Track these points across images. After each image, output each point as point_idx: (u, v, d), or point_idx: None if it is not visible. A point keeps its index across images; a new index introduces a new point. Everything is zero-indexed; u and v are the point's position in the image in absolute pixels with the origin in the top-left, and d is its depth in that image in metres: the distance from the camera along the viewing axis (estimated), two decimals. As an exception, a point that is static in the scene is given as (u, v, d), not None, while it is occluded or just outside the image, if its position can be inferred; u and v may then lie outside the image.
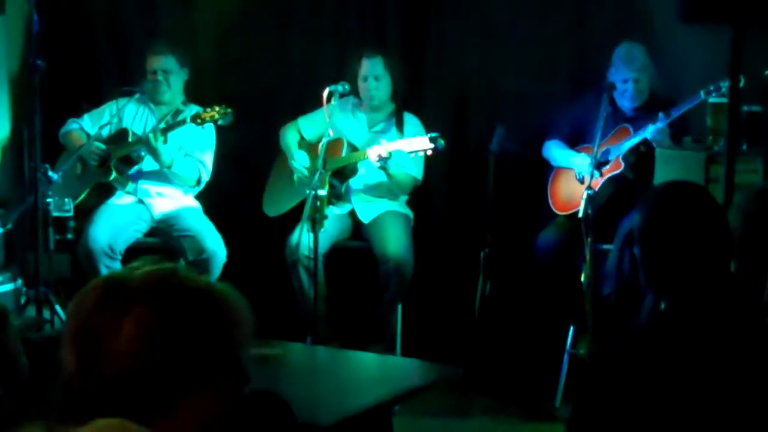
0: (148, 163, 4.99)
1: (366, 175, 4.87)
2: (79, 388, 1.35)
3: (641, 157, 4.43)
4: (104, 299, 1.39)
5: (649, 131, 4.33)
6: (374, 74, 4.84)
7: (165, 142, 4.83)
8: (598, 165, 4.38)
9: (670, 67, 4.65)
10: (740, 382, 1.99)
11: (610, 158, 4.46)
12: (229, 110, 4.74)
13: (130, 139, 4.97)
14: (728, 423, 1.97)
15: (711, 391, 1.98)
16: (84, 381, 1.35)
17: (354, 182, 4.89)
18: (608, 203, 4.41)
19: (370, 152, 4.58)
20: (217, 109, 4.75)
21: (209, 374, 1.40)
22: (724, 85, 4.07)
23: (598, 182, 4.42)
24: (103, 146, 4.98)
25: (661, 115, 4.31)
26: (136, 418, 1.20)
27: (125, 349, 1.35)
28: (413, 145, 4.49)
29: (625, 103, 4.57)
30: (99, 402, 1.33)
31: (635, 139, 4.41)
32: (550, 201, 4.70)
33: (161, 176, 4.98)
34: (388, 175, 4.68)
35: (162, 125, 4.92)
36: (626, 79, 4.53)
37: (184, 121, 4.82)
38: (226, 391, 1.43)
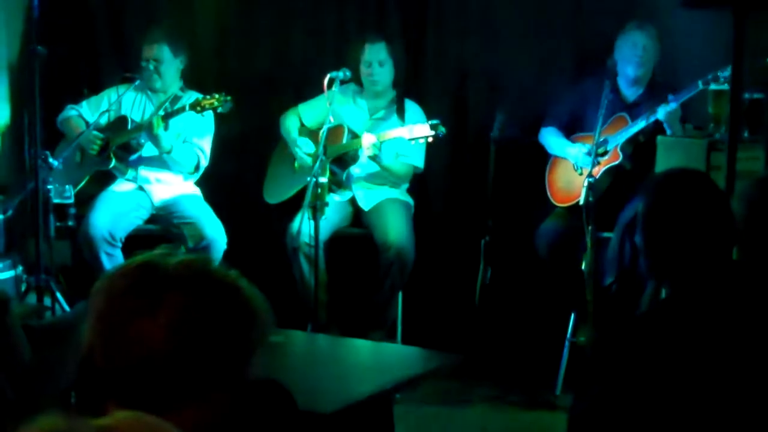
0: (147, 150, 4.98)
1: (367, 162, 4.87)
2: (100, 368, 1.35)
3: (639, 148, 4.42)
4: (140, 282, 1.40)
5: (660, 112, 4.31)
6: (378, 59, 4.83)
7: (166, 128, 4.82)
8: (597, 157, 4.37)
9: (671, 54, 4.64)
10: (742, 369, 1.99)
11: (608, 149, 4.45)
12: (228, 98, 4.72)
13: (129, 127, 4.96)
14: (730, 409, 1.97)
15: (714, 378, 1.98)
16: (107, 361, 1.36)
17: (354, 169, 4.88)
18: (606, 194, 4.39)
19: (363, 141, 4.57)
20: (216, 96, 4.73)
21: (225, 372, 1.41)
22: (722, 74, 4.07)
23: (597, 172, 4.41)
24: (101, 135, 4.97)
25: (670, 96, 4.30)
26: (149, 407, 1.20)
27: (156, 334, 1.36)
28: (414, 132, 4.48)
29: (629, 70, 4.53)
30: (117, 384, 1.34)
31: (638, 126, 4.40)
32: (548, 192, 4.68)
33: (161, 162, 4.98)
34: (382, 166, 4.68)
35: (161, 112, 4.91)
36: (636, 43, 4.51)
37: (183, 109, 4.81)
38: (233, 391, 1.43)
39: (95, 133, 4.94)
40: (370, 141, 4.53)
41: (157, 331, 1.36)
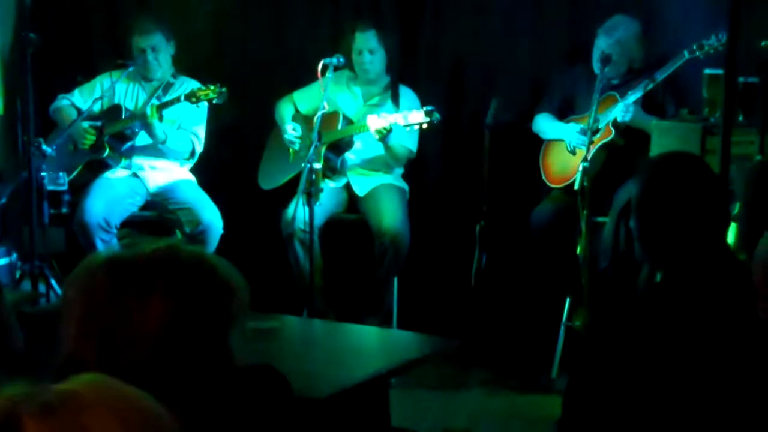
0: (141, 139, 4.96)
1: (362, 148, 4.86)
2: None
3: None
4: (121, 282, 1.38)
5: (617, 113, 4.34)
6: (368, 48, 4.81)
7: (161, 119, 4.79)
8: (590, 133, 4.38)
9: (656, 33, 4.63)
10: (735, 352, 2.00)
11: (600, 126, 4.45)
12: (224, 89, 4.70)
13: (123, 116, 4.94)
14: (724, 392, 1.97)
15: (706, 361, 1.98)
16: (101, 367, 1.34)
17: (349, 155, 4.87)
18: (602, 172, 4.40)
19: (370, 124, 4.55)
20: (212, 88, 4.71)
21: (210, 348, 1.41)
22: (707, 42, 4.09)
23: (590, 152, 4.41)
24: (92, 131, 4.93)
25: (629, 93, 4.32)
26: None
27: (155, 330, 1.35)
28: (409, 118, 4.48)
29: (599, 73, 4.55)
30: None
31: (633, 98, 4.39)
32: (543, 175, 4.69)
33: (154, 150, 4.96)
34: (387, 147, 4.67)
35: (155, 101, 4.90)
36: (598, 48, 4.53)
37: (179, 99, 4.78)
38: (219, 365, 1.43)
39: (85, 125, 4.91)
40: (380, 124, 4.51)
41: (149, 328, 1.35)
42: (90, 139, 4.93)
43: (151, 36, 4.94)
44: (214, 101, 4.72)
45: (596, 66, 4.50)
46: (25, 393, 0.96)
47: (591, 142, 4.24)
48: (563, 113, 4.72)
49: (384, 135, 4.54)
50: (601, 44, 4.52)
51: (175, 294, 1.38)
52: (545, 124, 4.73)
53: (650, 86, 4.31)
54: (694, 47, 4.16)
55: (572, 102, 4.69)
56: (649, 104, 4.39)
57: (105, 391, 1.00)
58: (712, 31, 4.14)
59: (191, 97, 4.72)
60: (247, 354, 1.51)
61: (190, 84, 4.92)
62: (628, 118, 4.35)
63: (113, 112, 4.98)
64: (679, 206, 2.13)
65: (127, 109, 4.95)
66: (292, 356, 3.21)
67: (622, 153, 4.44)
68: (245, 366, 1.48)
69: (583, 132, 4.36)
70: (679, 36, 4.51)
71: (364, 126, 4.66)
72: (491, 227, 4.55)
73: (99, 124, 4.95)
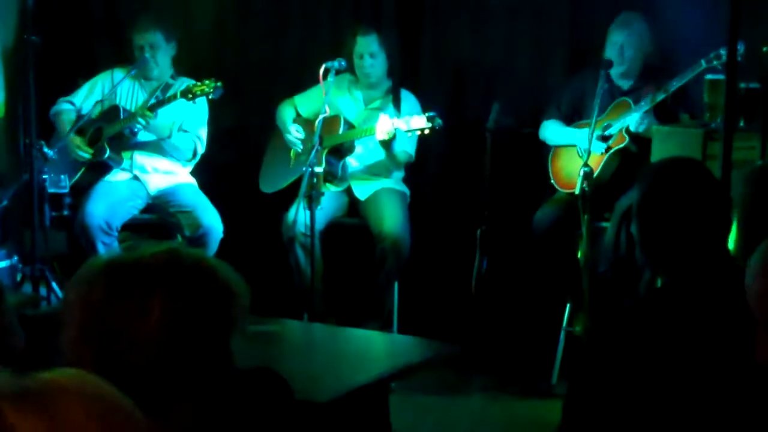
0: (142, 137, 4.96)
1: (362, 152, 4.86)
2: None
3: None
4: (121, 285, 1.38)
5: (631, 122, 4.33)
6: (369, 51, 4.82)
7: (155, 117, 4.78)
8: (603, 139, 4.37)
9: (667, 40, 4.63)
10: (736, 358, 2.00)
11: (613, 132, 4.44)
12: (219, 84, 4.69)
13: (121, 116, 4.93)
14: (725, 399, 1.97)
15: (707, 367, 1.98)
16: (100, 371, 1.34)
17: (351, 161, 4.87)
18: (613, 178, 4.39)
19: (378, 127, 4.54)
20: (207, 83, 4.69)
21: (211, 352, 1.41)
22: (725, 52, 4.05)
23: (600, 159, 4.40)
24: (83, 145, 4.91)
25: (642, 102, 4.32)
26: (146, 407, 1.20)
27: (155, 333, 1.35)
28: (412, 123, 4.48)
29: (613, 70, 4.53)
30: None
31: (644, 108, 4.37)
32: (553, 180, 4.67)
33: (156, 149, 4.97)
34: (391, 153, 4.66)
35: (153, 101, 4.90)
36: (615, 43, 4.51)
37: (174, 97, 4.78)
38: (219, 369, 1.43)
39: (77, 141, 4.89)
40: (387, 127, 4.50)
41: (149, 332, 1.35)
42: (82, 156, 4.91)
43: (150, 34, 4.93)
44: (210, 96, 4.71)
45: (617, 60, 4.47)
46: (6, 379, 0.98)
47: (603, 151, 4.23)
48: (570, 119, 4.71)
49: (389, 140, 4.54)
50: (618, 38, 4.49)
51: (175, 297, 1.38)
52: (555, 131, 4.71)
53: (662, 96, 4.29)
54: (712, 56, 4.09)
55: (580, 107, 4.66)
56: (659, 111, 4.37)
57: (81, 385, 1.01)
58: (718, 38, 4.10)
59: (187, 93, 4.71)
60: (248, 358, 1.51)
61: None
62: (641, 129, 4.33)
63: (111, 113, 4.98)
64: (680, 212, 2.13)
65: (125, 110, 4.95)
66: (292, 360, 3.21)
67: (634, 160, 4.42)
68: (246, 369, 1.48)
69: (599, 138, 4.35)
70: (680, 38, 4.51)
71: (367, 130, 4.66)
72: (492, 232, 4.54)
73: (95, 128, 4.94)
